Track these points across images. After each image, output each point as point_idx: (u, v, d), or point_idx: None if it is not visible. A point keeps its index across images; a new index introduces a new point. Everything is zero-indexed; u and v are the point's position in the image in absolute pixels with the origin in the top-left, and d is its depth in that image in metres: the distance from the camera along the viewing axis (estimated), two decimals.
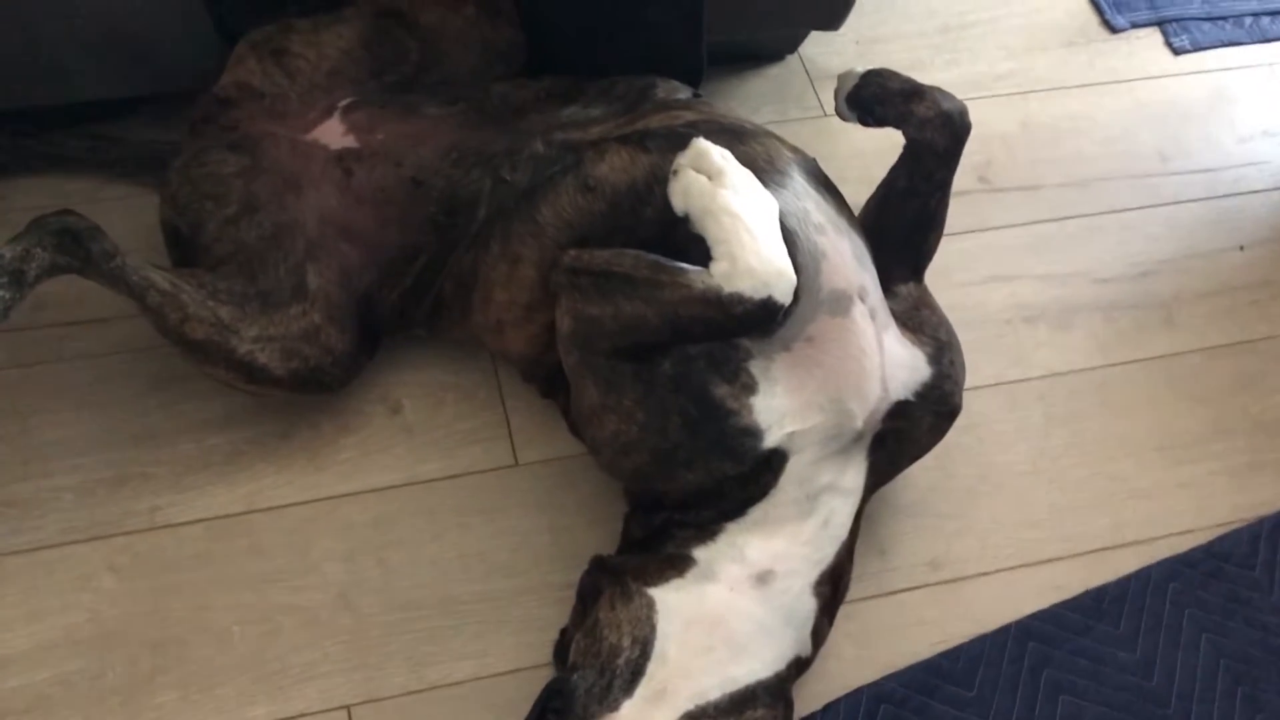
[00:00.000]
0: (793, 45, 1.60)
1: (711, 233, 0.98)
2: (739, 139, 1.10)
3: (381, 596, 1.16)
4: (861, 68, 1.17)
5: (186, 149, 1.22)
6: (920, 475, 1.25)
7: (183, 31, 1.28)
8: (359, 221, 1.18)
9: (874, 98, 1.15)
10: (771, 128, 1.52)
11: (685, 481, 1.06)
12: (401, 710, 1.10)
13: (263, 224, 1.16)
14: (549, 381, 1.22)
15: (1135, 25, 1.72)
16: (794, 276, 0.98)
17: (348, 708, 1.10)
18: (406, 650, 1.13)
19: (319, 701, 1.10)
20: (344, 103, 1.21)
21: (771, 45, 1.59)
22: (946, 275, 1.39)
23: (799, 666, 1.07)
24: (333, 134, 1.20)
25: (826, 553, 1.08)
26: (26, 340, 1.25)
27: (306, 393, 1.18)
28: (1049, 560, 1.25)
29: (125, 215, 1.32)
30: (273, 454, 1.23)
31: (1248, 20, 1.74)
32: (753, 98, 1.58)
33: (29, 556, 1.14)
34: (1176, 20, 1.73)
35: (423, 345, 1.29)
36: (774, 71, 1.61)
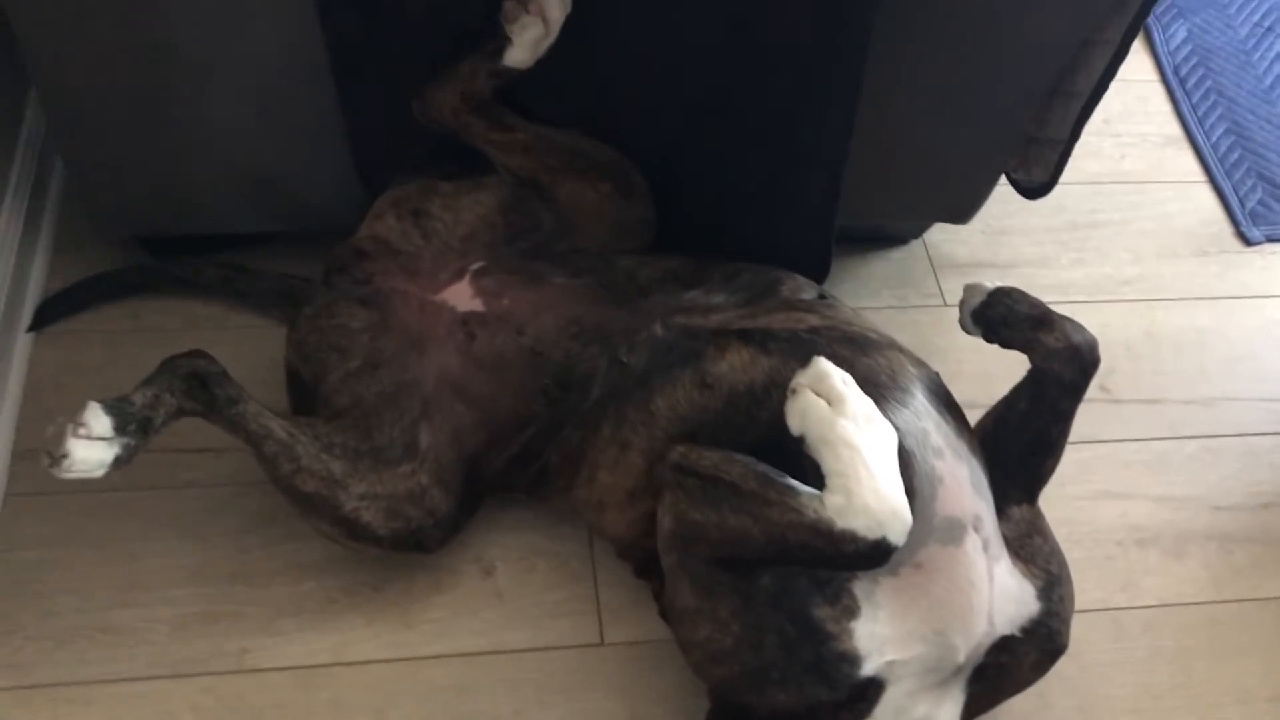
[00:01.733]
0: (918, 231, 1.61)
1: (828, 463, 0.97)
2: (863, 350, 1.09)
3: None
4: (990, 284, 1.16)
5: (319, 297, 1.26)
6: (1018, 701, 1.20)
7: (327, 175, 1.32)
8: (476, 385, 1.19)
9: (1001, 319, 1.14)
10: (889, 312, 1.53)
11: (775, 701, 1.03)
12: None
13: (384, 380, 1.19)
14: (644, 563, 1.20)
15: (1270, 239, 1.70)
16: (910, 519, 0.96)
17: None
18: None
19: None
20: (475, 266, 1.24)
21: (899, 231, 1.59)
22: (1058, 486, 1.33)
23: None
24: (461, 296, 1.22)
25: None
26: (143, 462, 1.28)
27: (404, 552, 1.19)
28: None
29: (250, 345, 1.36)
30: (364, 605, 1.23)
31: None
32: (874, 280, 1.58)
33: (117, 687, 1.16)
34: None
35: (522, 507, 1.30)
36: (897, 255, 1.61)
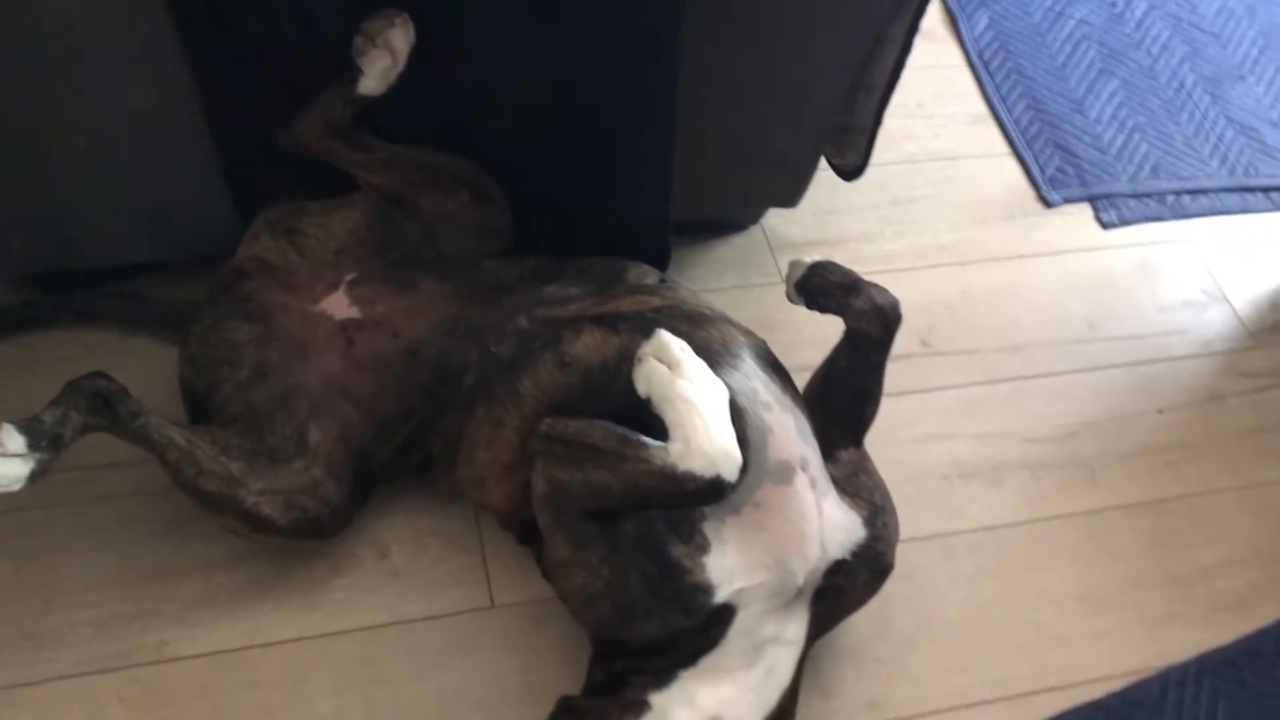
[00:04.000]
0: (755, 217, 1.77)
1: (669, 417, 1.12)
2: (698, 324, 1.25)
3: None
4: (810, 259, 1.32)
5: (205, 316, 1.36)
6: (861, 622, 1.36)
7: (205, 204, 1.42)
8: (359, 385, 1.32)
9: (818, 289, 1.30)
10: (734, 292, 1.69)
11: (643, 632, 1.18)
12: None
13: (272, 387, 1.30)
14: (525, 531, 1.34)
15: (1068, 200, 1.90)
16: (740, 458, 1.12)
17: None
18: None
19: None
20: (349, 277, 1.36)
21: (736, 218, 1.76)
22: (889, 433, 1.52)
23: None
24: (338, 306, 1.34)
25: (770, 698, 1.19)
26: (54, 482, 1.37)
27: (304, 540, 1.30)
28: (977, 703, 1.36)
29: (145, 368, 1.44)
30: (271, 592, 1.35)
31: (1169, 198, 1.92)
32: (718, 264, 1.74)
33: (45, 688, 1.25)
34: (1105, 197, 1.91)
35: (411, 494, 1.42)
36: (738, 240, 1.77)
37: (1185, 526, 1.55)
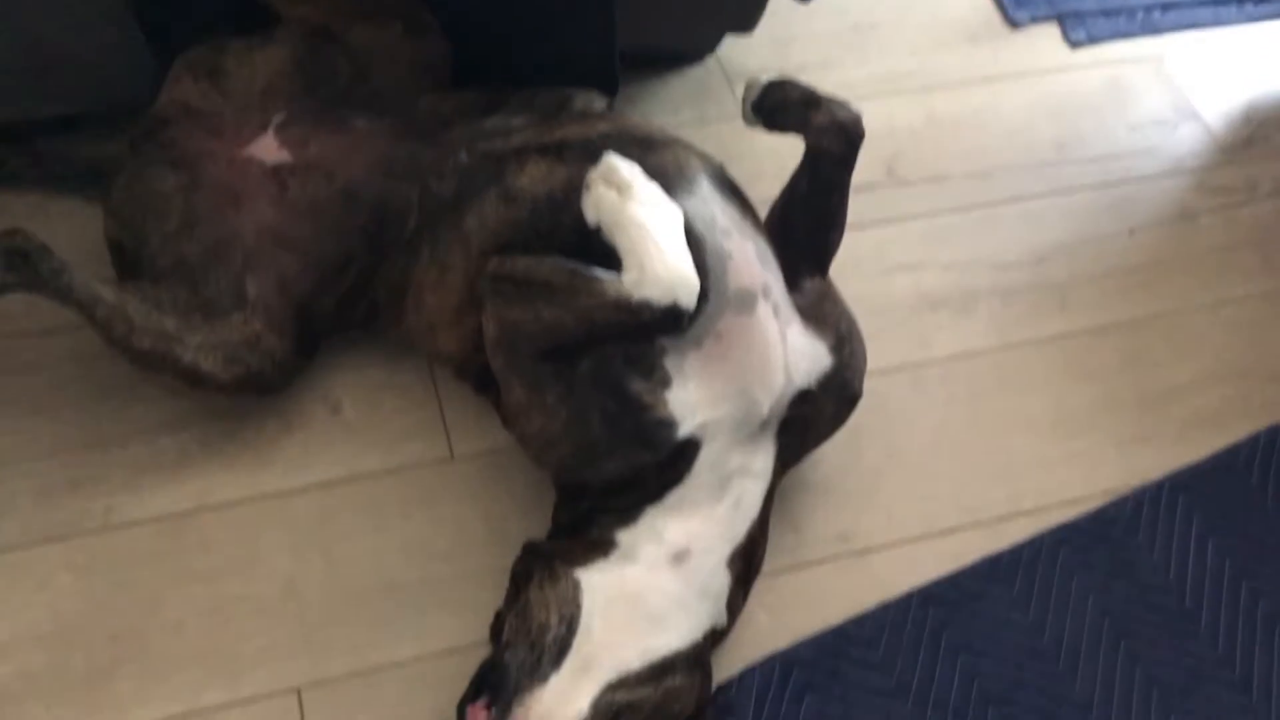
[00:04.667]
0: (711, 46, 1.68)
1: (621, 244, 1.06)
2: (649, 149, 1.18)
3: (327, 585, 1.23)
4: (766, 77, 1.25)
5: (127, 166, 1.28)
6: (831, 454, 1.34)
7: (119, 50, 1.33)
8: (295, 233, 1.25)
9: (775, 106, 1.23)
10: (690, 128, 1.61)
11: (607, 471, 1.14)
12: (348, 690, 1.18)
13: (203, 238, 1.23)
14: (481, 379, 1.29)
15: (1035, 20, 1.82)
16: (697, 283, 1.07)
17: (297, 690, 1.17)
18: (352, 634, 1.21)
19: (269, 684, 1.17)
20: (278, 119, 1.27)
21: (690, 48, 1.67)
22: (856, 266, 1.48)
23: (715, 637, 1.16)
24: (268, 149, 1.26)
25: (739, 531, 1.17)
26: None
27: (249, 395, 1.25)
28: (949, 530, 1.35)
29: (71, 229, 1.37)
30: (220, 453, 1.30)
31: (1139, 14, 1.84)
32: (673, 99, 1.66)
33: None
34: (1073, 14, 1.83)
35: (360, 346, 1.36)
36: (693, 73, 1.69)
37: (1158, 346, 1.52)
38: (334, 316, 1.29)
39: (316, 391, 1.35)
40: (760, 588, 1.25)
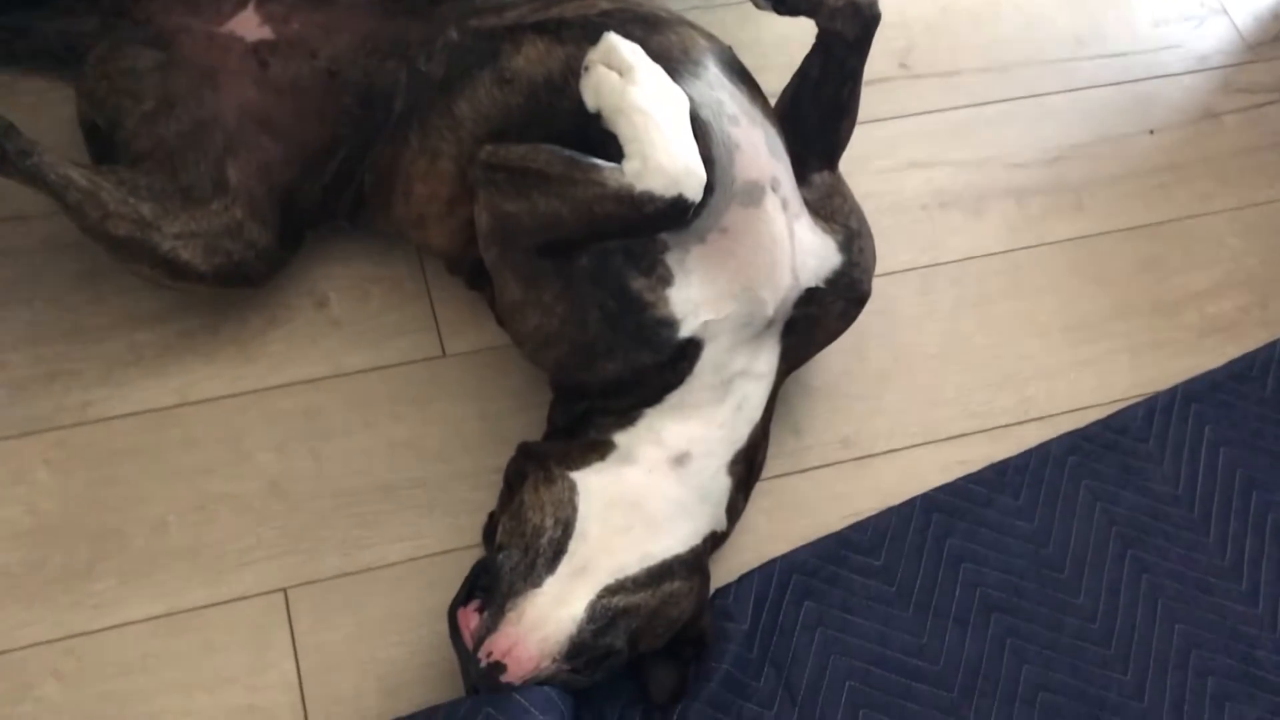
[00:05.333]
0: None
1: (623, 131, 1.00)
2: (653, 29, 1.11)
3: (314, 484, 1.19)
4: None
5: (101, 44, 1.21)
6: (835, 358, 1.30)
7: None
8: (277, 115, 1.18)
9: None
10: (694, 14, 1.52)
11: (605, 371, 1.10)
12: (336, 591, 1.15)
13: (181, 119, 1.16)
14: (474, 274, 1.24)
15: None
16: (704, 174, 1.01)
17: (284, 590, 1.14)
18: (340, 534, 1.18)
19: (255, 585, 1.14)
20: None
21: None
22: (865, 162, 1.42)
23: (714, 541, 1.13)
24: (248, 26, 1.19)
25: (740, 434, 1.13)
26: None
27: (231, 288, 1.20)
28: (955, 436, 1.31)
29: (43, 110, 1.30)
30: (202, 348, 1.25)
31: None
32: None
33: None
34: None
35: (348, 239, 1.31)
36: None
37: (1175, 251, 1.47)
38: (319, 206, 1.23)
39: (302, 285, 1.29)
40: (759, 492, 1.21)
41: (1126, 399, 1.36)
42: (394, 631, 1.14)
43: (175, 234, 1.13)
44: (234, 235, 1.16)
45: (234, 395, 1.23)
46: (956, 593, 1.21)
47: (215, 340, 1.25)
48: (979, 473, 1.28)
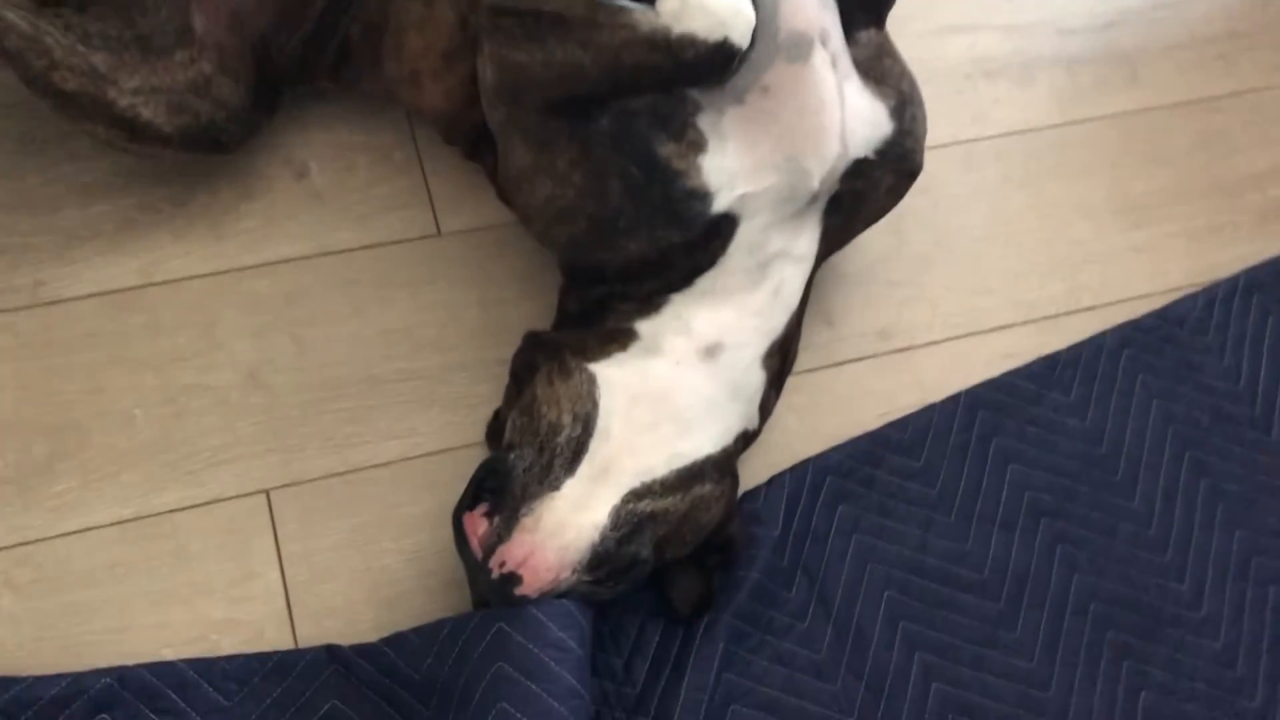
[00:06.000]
0: None
1: None
2: None
3: (297, 375, 1.07)
4: None
5: None
6: (871, 241, 1.18)
7: None
8: None
9: None
10: None
11: (626, 251, 0.97)
12: (324, 493, 1.03)
13: None
14: (473, 142, 1.11)
15: None
16: (753, 16, 0.87)
17: (266, 492, 1.03)
18: (328, 431, 1.06)
19: (234, 486, 1.02)
20: None
21: None
22: (903, 25, 1.25)
23: (745, 441, 1.03)
24: None
25: (777, 323, 1.01)
26: None
27: (199, 152, 1.06)
28: (1001, 327, 1.21)
29: None
30: (168, 222, 1.11)
31: None
32: None
33: None
34: None
35: (330, 101, 1.16)
36: None
37: (1236, 128, 1.36)
38: (298, 62, 1.09)
39: (279, 153, 1.15)
40: (790, 388, 1.11)
41: (1184, 287, 1.26)
42: (389, 538, 1.03)
43: (134, 89, 0.99)
44: (201, 92, 1.02)
45: (205, 276, 1.10)
46: (1003, 496, 1.12)
47: (183, 214, 1.11)
48: (1027, 367, 1.18)
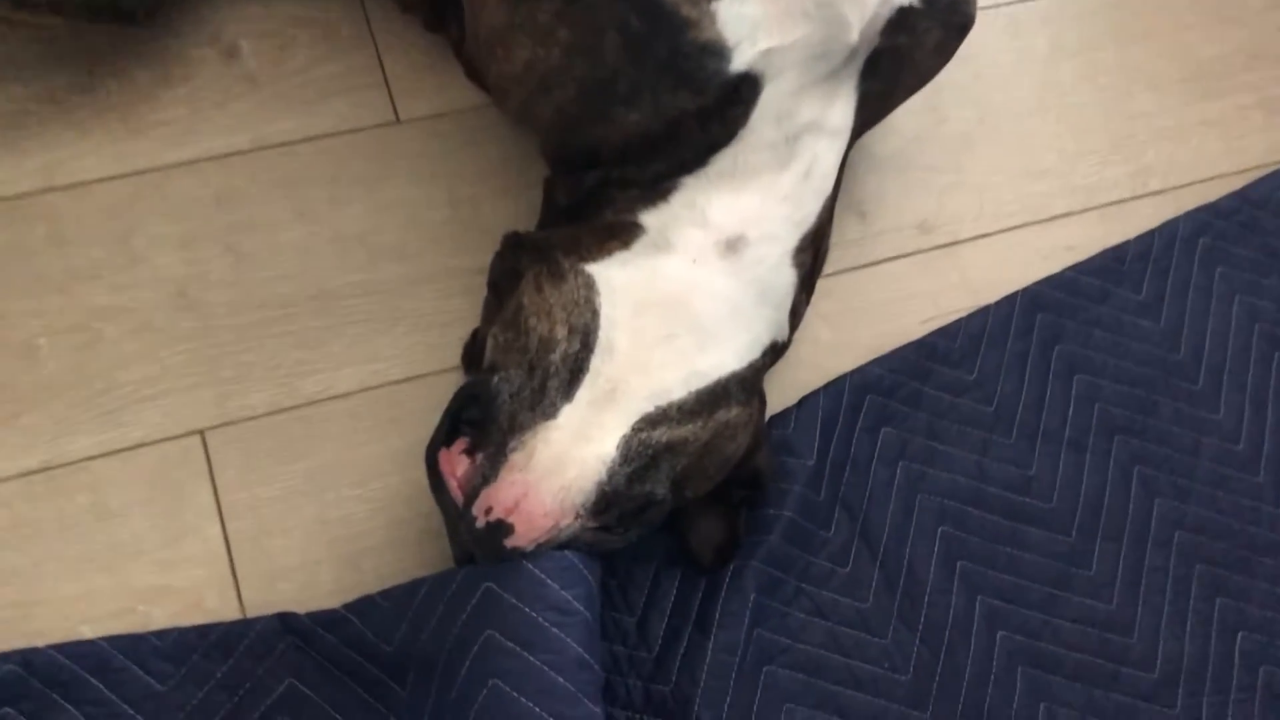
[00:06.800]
0: None
1: None
2: None
3: (233, 292, 0.90)
4: None
5: None
6: (905, 120, 1.04)
7: None
8: None
9: None
10: None
11: (626, 124, 0.80)
12: (270, 432, 0.87)
13: None
14: (435, 8, 0.94)
15: None
16: None
17: (200, 432, 0.86)
18: (272, 358, 0.89)
19: (161, 427, 0.86)
20: None
21: None
22: None
23: (775, 354, 0.86)
24: None
25: (809, 211, 0.84)
26: None
27: (102, 24, 0.89)
28: (1059, 216, 1.06)
29: None
30: (71, 114, 0.93)
31: None
32: None
33: None
34: None
35: None
36: None
37: None
38: None
39: (203, 30, 0.98)
40: (819, 292, 0.94)
41: (1263, 166, 1.13)
42: (348, 483, 0.87)
43: None
44: None
45: (118, 177, 0.92)
46: (1069, 412, 0.97)
47: (90, 104, 0.94)
48: (1090, 261, 1.04)
